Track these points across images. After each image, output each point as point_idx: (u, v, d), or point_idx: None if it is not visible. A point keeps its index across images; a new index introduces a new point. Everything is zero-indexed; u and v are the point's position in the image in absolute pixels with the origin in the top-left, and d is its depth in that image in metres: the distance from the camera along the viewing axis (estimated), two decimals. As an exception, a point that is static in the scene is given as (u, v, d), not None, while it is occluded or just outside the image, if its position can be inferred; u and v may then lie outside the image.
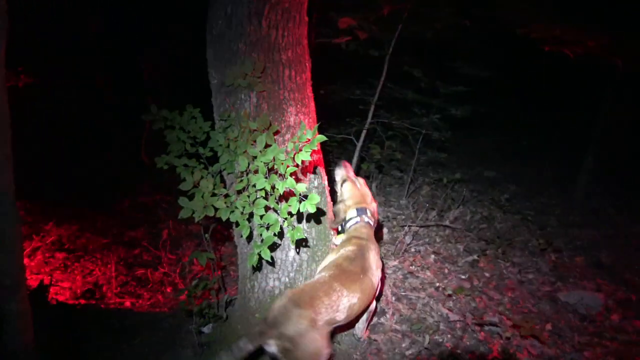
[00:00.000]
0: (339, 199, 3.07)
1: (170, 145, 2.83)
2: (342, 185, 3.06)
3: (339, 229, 3.00)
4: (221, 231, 5.02)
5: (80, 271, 4.83)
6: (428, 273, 4.27)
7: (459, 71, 5.50)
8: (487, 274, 4.42)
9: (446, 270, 4.38)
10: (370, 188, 6.00)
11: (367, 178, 6.17)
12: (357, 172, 5.75)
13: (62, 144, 7.73)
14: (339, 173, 3.12)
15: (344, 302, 2.49)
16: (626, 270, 4.75)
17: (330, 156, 6.11)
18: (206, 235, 3.28)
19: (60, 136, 7.71)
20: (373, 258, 2.77)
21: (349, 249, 2.74)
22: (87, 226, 5.77)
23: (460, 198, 6.13)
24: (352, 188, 3.03)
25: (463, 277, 4.31)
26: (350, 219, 2.92)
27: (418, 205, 5.93)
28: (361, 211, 2.92)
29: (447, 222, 5.36)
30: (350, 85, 5.70)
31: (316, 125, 2.39)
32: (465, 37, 5.99)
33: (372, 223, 2.97)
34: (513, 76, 9.05)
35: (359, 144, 5.35)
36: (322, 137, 2.31)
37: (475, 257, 4.68)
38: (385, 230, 5.03)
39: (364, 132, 5.34)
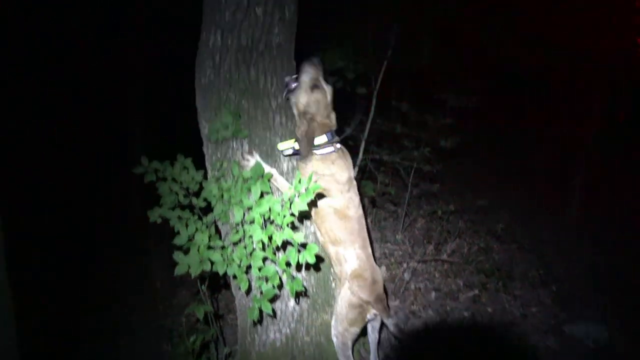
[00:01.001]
0: (302, 109, 2.68)
1: (163, 197, 2.76)
2: (311, 91, 2.66)
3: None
4: (217, 277, 4.89)
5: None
6: (430, 312, 4.18)
7: (446, 103, 5.53)
8: (489, 309, 4.34)
9: (448, 308, 4.29)
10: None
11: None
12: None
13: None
14: (308, 73, 2.67)
15: None
16: (629, 296, 4.69)
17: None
18: (202, 286, 3.18)
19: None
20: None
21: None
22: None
23: (456, 230, 6.07)
24: (323, 99, 2.70)
25: (466, 313, 4.23)
26: (319, 145, 2.69)
27: (414, 240, 5.86)
28: (331, 136, 2.73)
29: (444, 256, 5.28)
30: (340, 123, 5.69)
31: (311, 173, 2.34)
32: (451, 68, 6.07)
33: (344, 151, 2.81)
34: (498, 102, 9.18)
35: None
36: (317, 186, 2.26)
37: (476, 291, 4.61)
38: (383, 268, 4.95)
39: (356, 168, 5.30)
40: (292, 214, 2.32)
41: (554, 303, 4.54)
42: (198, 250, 2.48)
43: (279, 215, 2.33)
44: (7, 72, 6.43)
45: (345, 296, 2.78)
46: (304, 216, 2.86)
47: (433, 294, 4.52)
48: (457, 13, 5.92)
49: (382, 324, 3.02)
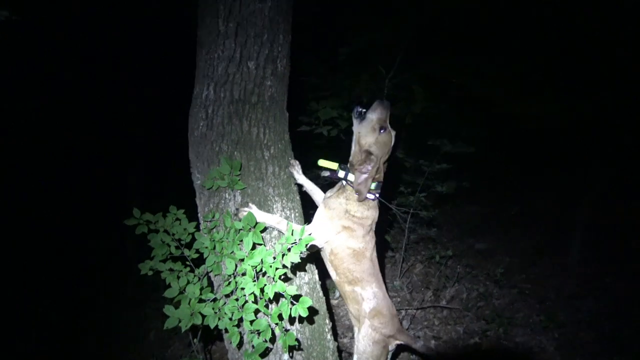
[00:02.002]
0: (365, 147, 2.69)
1: (155, 249, 2.74)
2: (378, 132, 2.67)
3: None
4: (211, 328, 4.79)
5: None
6: (430, 361, 4.08)
7: (441, 149, 5.57)
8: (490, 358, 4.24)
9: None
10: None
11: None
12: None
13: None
14: (377, 112, 2.68)
15: None
16: (632, 342, 4.59)
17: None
18: (195, 340, 3.11)
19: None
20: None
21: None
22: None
23: (455, 275, 6.00)
24: (388, 142, 2.71)
25: (466, 363, 4.12)
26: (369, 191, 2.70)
27: (413, 286, 5.79)
28: (378, 186, 2.78)
29: (444, 303, 5.21)
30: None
31: (304, 226, 2.34)
32: (444, 116, 6.16)
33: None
34: (495, 147, 9.24)
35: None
36: (310, 238, 2.25)
37: (476, 339, 4.51)
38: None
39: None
40: (285, 266, 2.31)
41: (556, 351, 4.43)
42: (189, 303, 2.45)
43: (270, 267, 2.30)
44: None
45: (368, 334, 2.82)
46: (297, 268, 2.83)
47: (432, 342, 4.42)
48: (450, 60, 6.06)
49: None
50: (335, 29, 5.93)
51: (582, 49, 5.81)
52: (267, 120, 2.85)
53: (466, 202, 9.60)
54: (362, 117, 2.71)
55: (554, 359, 4.27)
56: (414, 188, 5.85)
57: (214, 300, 2.50)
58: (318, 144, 5.51)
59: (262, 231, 2.63)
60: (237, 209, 2.74)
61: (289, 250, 2.30)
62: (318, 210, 2.77)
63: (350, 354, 4.14)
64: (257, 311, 2.36)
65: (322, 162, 2.86)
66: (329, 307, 3.30)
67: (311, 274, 2.95)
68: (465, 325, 4.79)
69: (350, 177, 2.72)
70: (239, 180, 2.75)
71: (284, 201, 2.87)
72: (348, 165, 2.76)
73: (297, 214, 2.94)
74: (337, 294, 5.34)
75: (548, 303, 5.54)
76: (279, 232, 2.78)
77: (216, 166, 2.76)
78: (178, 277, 2.62)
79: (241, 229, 2.58)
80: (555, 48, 6.11)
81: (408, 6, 5.39)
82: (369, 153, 2.67)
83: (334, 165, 2.82)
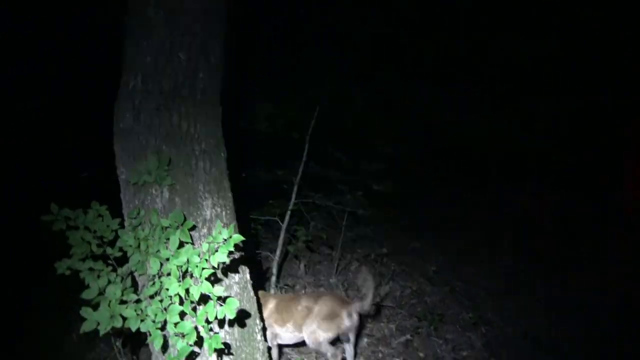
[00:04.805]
0: None
1: (74, 247, 2.56)
2: None
3: None
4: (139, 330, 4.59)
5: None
6: (361, 359, 4.10)
7: (378, 150, 5.64)
8: (421, 354, 4.33)
9: (380, 355, 4.23)
10: (299, 267, 5.93)
11: (295, 257, 6.02)
12: (285, 254, 5.61)
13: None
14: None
15: None
16: (551, 338, 4.82)
17: (256, 238, 5.92)
18: (117, 343, 2.96)
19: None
20: None
21: None
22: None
23: (389, 273, 6.09)
24: None
25: (397, 360, 4.18)
26: None
27: (348, 284, 5.81)
28: None
29: (377, 300, 5.25)
30: (273, 167, 5.68)
31: (233, 224, 2.26)
32: (381, 119, 6.26)
33: None
34: (434, 154, 9.47)
35: (284, 225, 5.23)
36: (239, 237, 2.17)
37: (408, 336, 4.59)
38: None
39: (289, 212, 5.24)
40: (212, 266, 2.22)
41: (484, 347, 4.58)
42: (109, 305, 2.30)
43: (197, 267, 2.21)
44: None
45: None
46: (228, 268, 2.74)
47: (365, 340, 4.45)
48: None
49: None
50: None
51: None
52: (199, 114, 2.73)
53: (403, 203, 9.74)
54: None
55: (482, 355, 4.40)
56: (352, 186, 5.88)
57: (137, 301, 2.37)
58: (258, 141, 5.46)
59: (190, 229, 2.53)
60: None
61: (216, 250, 2.21)
62: None
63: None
64: (183, 313, 2.26)
65: None
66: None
67: (242, 274, 2.87)
68: (398, 323, 4.86)
69: None
70: (167, 175, 2.63)
71: (214, 198, 2.77)
72: None
73: (228, 212, 2.84)
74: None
75: (477, 300, 5.74)
76: (209, 230, 2.68)
77: (143, 160, 2.62)
78: (98, 277, 2.46)
79: (168, 227, 2.47)
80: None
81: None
82: None
83: None
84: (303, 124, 5.12)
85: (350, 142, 5.92)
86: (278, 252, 5.11)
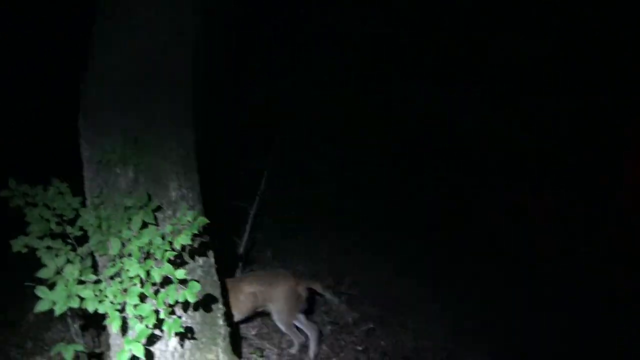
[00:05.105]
0: None
1: (31, 224, 2.48)
2: None
3: None
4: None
5: None
6: (324, 347, 4.12)
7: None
8: (383, 343, 4.37)
9: (342, 342, 4.26)
10: (267, 254, 5.91)
11: (264, 244, 6.01)
12: (253, 241, 5.58)
13: None
14: None
15: None
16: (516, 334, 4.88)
17: (224, 224, 5.87)
18: (75, 324, 2.89)
19: None
20: None
21: None
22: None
23: (356, 261, 6.12)
24: None
25: (359, 348, 4.21)
26: None
27: (315, 271, 5.82)
28: None
29: (343, 288, 5.29)
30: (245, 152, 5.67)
31: (198, 207, 2.23)
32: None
33: None
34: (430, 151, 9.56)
35: (252, 212, 5.19)
36: (204, 220, 2.14)
37: (371, 324, 4.62)
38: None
39: (257, 199, 5.20)
40: (174, 249, 2.18)
41: (445, 337, 4.65)
42: (66, 285, 2.24)
43: (159, 248, 2.17)
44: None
45: None
46: (193, 250, 2.70)
47: (328, 327, 4.47)
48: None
49: None
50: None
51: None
52: (169, 93, 2.66)
53: (373, 195, 9.71)
54: None
55: (443, 345, 4.47)
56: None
57: (97, 282, 2.31)
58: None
59: (155, 210, 2.48)
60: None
61: (180, 232, 2.17)
62: None
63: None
64: (143, 295, 2.21)
65: None
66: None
67: (207, 257, 2.83)
68: (362, 311, 4.89)
69: None
70: (133, 154, 2.56)
71: (181, 179, 2.70)
72: None
73: (194, 194, 2.79)
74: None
75: (442, 291, 5.80)
76: (174, 212, 2.63)
77: (108, 138, 2.55)
78: (57, 256, 2.39)
79: (131, 207, 2.41)
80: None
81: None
82: None
83: None
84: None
85: (345, 137, 5.98)
86: (245, 238, 5.08)
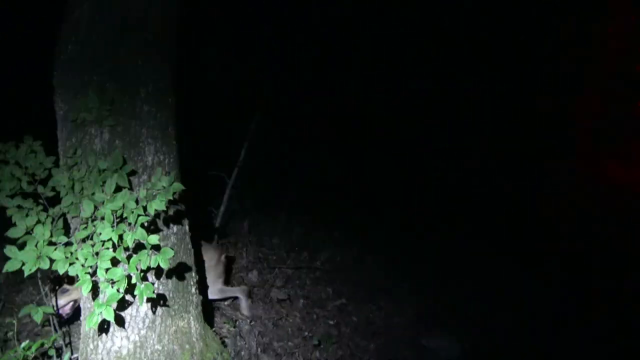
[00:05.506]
0: None
1: (2, 182, 2.41)
2: None
3: None
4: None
5: None
6: (297, 319, 4.16)
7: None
8: (354, 319, 4.43)
9: (315, 316, 4.30)
10: (243, 226, 5.88)
11: (241, 216, 5.98)
12: (230, 213, 5.55)
13: None
14: None
15: None
16: (483, 317, 4.98)
17: (202, 193, 5.82)
18: (45, 288, 2.85)
19: None
20: None
21: None
22: None
23: (332, 238, 6.15)
24: None
25: (331, 322, 4.26)
26: None
27: (290, 245, 5.83)
28: None
29: (318, 264, 5.32)
30: (224, 120, 5.60)
31: (174, 173, 2.18)
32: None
33: None
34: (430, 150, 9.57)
35: (230, 182, 5.16)
36: (179, 186, 2.11)
37: (343, 300, 4.68)
38: (255, 272, 4.84)
39: (236, 169, 5.16)
40: (148, 214, 2.15)
41: (416, 316, 4.73)
42: (36, 245, 2.19)
43: (132, 213, 2.13)
44: None
45: None
46: (167, 217, 2.66)
47: (302, 301, 4.50)
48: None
49: None
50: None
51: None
52: (149, 54, 2.58)
53: (355, 173, 9.69)
54: None
55: (412, 323, 4.55)
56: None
57: (68, 244, 2.27)
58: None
59: (129, 174, 2.42)
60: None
61: (154, 197, 2.14)
62: None
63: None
64: (115, 260, 2.18)
65: None
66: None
67: (181, 225, 2.80)
68: (335, 287, 4.94)
69: None
70: (109, 115, 2.48)
71: (158, 144, 2.64)
72: None
73: (171, 160, 2.73)
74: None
75: (415, 272, 5.87)
76: (149, 177, 2.58)
77: (84, 97, 2.47)
78: (27, 215, 2.33)
79: (105, 170, 2.35)
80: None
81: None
82: None
83: None
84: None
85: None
86: (222, 208, 5.05)
